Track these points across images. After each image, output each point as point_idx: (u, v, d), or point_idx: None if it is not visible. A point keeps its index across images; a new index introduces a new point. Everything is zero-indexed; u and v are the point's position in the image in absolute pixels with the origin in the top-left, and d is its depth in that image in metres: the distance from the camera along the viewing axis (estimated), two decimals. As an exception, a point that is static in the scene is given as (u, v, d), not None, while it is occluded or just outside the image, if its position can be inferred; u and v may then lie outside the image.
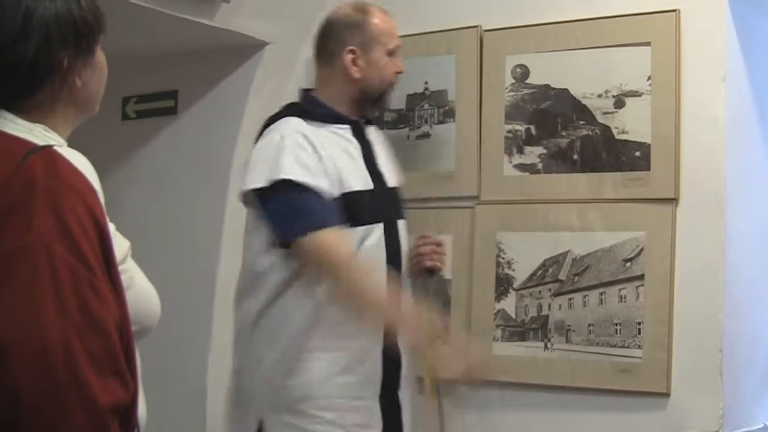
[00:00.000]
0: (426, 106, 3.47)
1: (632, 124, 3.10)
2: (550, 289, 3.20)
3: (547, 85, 3.26)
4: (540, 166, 3.25)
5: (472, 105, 3.35)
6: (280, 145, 2.57)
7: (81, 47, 1.63)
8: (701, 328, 2.96)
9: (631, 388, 3.03)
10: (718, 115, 2.99)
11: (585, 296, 3.14)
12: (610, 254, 3.11)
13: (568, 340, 3.15)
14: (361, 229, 2.65)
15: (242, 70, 3.71)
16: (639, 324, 3.03)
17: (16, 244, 1.42)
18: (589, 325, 3.12)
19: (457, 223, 3.37)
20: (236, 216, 3.00)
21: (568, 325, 3.15)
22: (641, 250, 3.05)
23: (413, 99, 3.50)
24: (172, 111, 3.89)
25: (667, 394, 2.98)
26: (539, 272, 3.22)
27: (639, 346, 3.02)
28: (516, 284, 3.26)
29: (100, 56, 1.70)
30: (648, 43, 3.08)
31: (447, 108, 3.43)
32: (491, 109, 3.32)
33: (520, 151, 3.28)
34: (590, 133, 3.18)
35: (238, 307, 2.72)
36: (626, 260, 3.08)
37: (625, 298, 3.06)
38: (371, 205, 2.68)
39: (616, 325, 3.07)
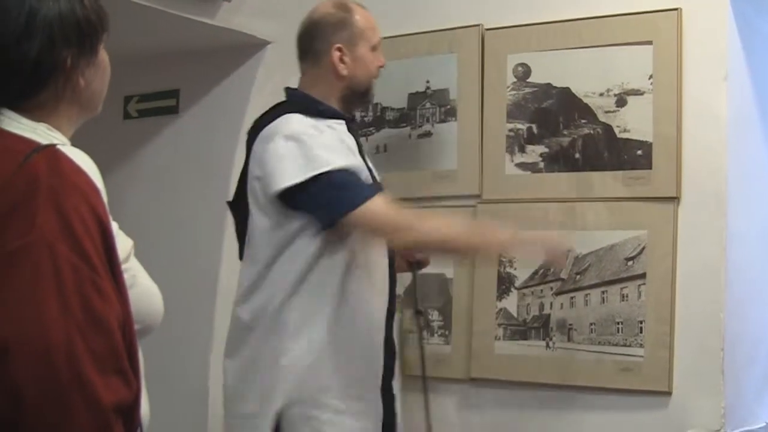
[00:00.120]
0: (427, 105, 3.47)
1: (634, 122, 3.10)
2: (551, 288, 3.20)
3: (548, 84, 3.26)
4: (542, 164, 3.25)
5: (474, 104, 3.34)
6: (300, 138, 2.63)
7: (84, 46, 1.63)
8: (703, 327, 2.95)
9: (632, 387, 3.03)
10: (719, 114, 2.99)
11: (587, 295, 3.14)
12: (611, 253, 3.11)
13: (569, 339, 3.15)
14: None
15: (244, 69, 3.71)
16: (641, 323, 3.03)
17: (19, 243, 1.43)
18: (591, 324, 3.12)
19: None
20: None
21: (570, 324, 3.15)
22: (643, 248, 3.05)
23: (415, 98, 3.50)
24: (173, 110, 3.89)
25: (668, 393, 2.98)
26: (541, 271, 3.22)
27: (641, 345, 3.02)
28: (518, 283, 3.26)
29: (103, 55, 1.70)
30: (650, 42, 3.08)
31: (448, 107, 3.43)
32: (493, 108, 3.32)
33: (522, 150, 3.28)
34: (592, 131, 3.18)
35: (244, 303, 2.73)
36: (628, 259, 3.08)
37: (626, 296, 3.06)
38: None
39: (618, 323, 3.07)
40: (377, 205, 2.63)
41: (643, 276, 3.04)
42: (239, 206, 2.82)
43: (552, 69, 3.25)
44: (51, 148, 1.52)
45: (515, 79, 3.31)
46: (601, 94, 3.16)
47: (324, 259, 2.67)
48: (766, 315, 3.22)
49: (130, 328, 1.53)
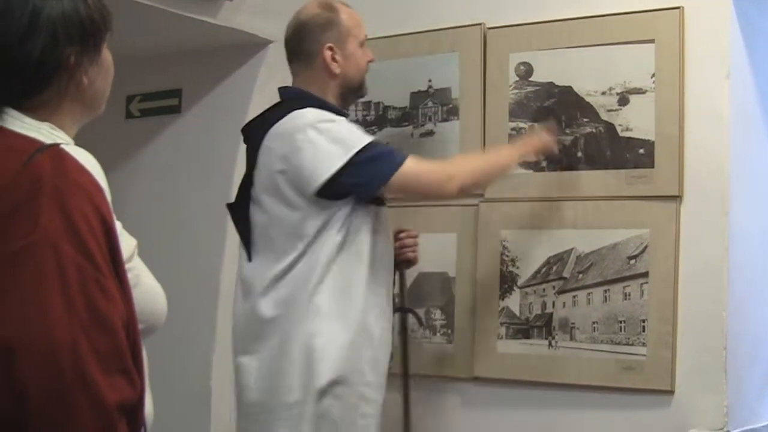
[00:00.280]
0: (430, 104, 3.47)
1: (636, 121, 3.10)
2: (554, 287, 3.20)
3: (550, 83, 3.25)
4: (544, 163, 3.24)
5: (476, 103, 3.34)
6: (325, 127, 2.71)
7: (88, 45, 1.64)
8: (705, 326, 2.95)
9: (635, 386, 3.03)
10: (722, 112, 2.99)
11: (589, 294, 3.13)
12: (614, 252, 3.11)
13: (572, 338, 3.15)
14: (383, 208, 2.86)
15: (246, 68, 3.72)
16: (643, 321, 3.03)
17: (23, 242, 1.43)
18: (594, 323, 3.11)
19: (461, 220, 3.37)
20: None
21: (573, 323, 3.15)
22: (645, 247, 3.05)
23: (417, 97, 3.50)
24: (175, 109, 3.89)
25: (671, 392, 2.98)
26: (543, 270, 3.22)
27: (643, 344, 3.02)
28: (520, 282, 3.26)
29: (106, 55, 1.71)
30: (652, 41, 3.08)
31: (451, 106, 3.43)
32: (495, 106, 3.32)
33: (524, 149, 3.28)
34: (594, 130, 3.17)
35: (263, 297, 2.74)
36: (630, 258, 3.07)
37: (629, 295, 3.06)
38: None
39: (621, 322, 3.07)
40: (414, 166, 2.77)
41: (645, 275, 3.04)
42: (241, 207, 2.83)
43: (554, 68, 3.25)
44: (55, 148, 1.52)
45: (517, 78, 3.31)
46: (603, 93, 3.16)
47: (349, 246, 2.73)
48: (768, 313, 3.23)
49: (134, 328, 1.53)
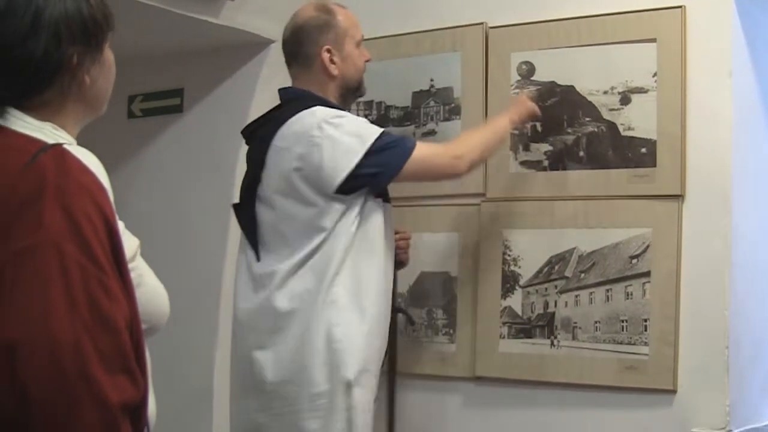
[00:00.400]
0: (432, 103, 3.47)
1: (638, 120, 3.10)
2: (556, 286, 3.20)
3: (552, 82, 3.25)
4: (546, 163, 3.24)
5: (478, 102, 3.34)
6: (338, 122, 2.75)
7: (90, 45, 1.64)
8: (708, 325, 2.95)
9: (637, 385, 3.03)
10: (724, 111, 2.99)
11: (591, 293, 3.13)
12: (616, 251, 3.10)
13: (574, 338, 3.15)
14: (389, 204, 2.89)
15: (247, 67, 3.72)
16: (645, 321, 3.03)
17: (27, 242, 1.43)
18: (596, 322, 3.11)
19: (464, 220, 3.37)
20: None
21: (575, 322, 3.15)
22: (647, 246, 3.05)
23: (419, 96, 3.50)
24: (177, 109, 3.89)
25: (673, 391, 2.98)
26: (545, 269, 3.22)
27: (645, 343, 3.02)
28: (522, 281, 3.26)
29: (108, 54, 1.71)
30: (654, 40, 3.08)
31: (453, 105, 3.43)
32: (497, 106, 3.31)
33: (526, 148, 3.28)
34: (596, 129, 3.17)
35: (278, 291, 2.75)
36: (632, 257, 3.07)
37: (631, 295, 3.06)
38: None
39: (623, 322, 3.07)
40: (424, 151, 2.85)
41: (647, 274, 3.04)
42: (247, 207, 2.84)
43: (556, 67, 3.25)
44: (58, 148, 1.53)
45: (519, 77, 3.31)
46: (605, 92, 3.16)
47: (362, 239, 2.78)
48: (771, 313, 3.22)
49: (137, 328, 1.53)
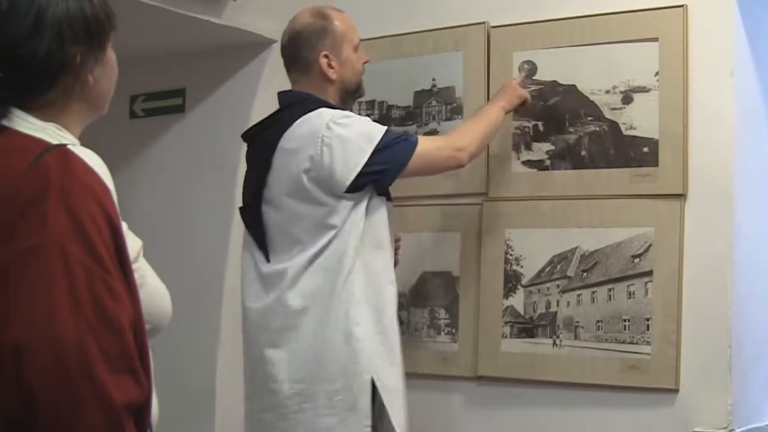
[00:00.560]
0: (433, 102, 3.47)
1: (640, 119, 3.09)
2: (558, 286, 3.20)
3: (554, 82, 3.25)
4: (548, 162, 3.24)
5: (480, 102, 3.33)
6: (344, 122, 2.78)
7: (93, 44, 1.64)
8: (710, 325, 2.95)
9: (639, 385, 3.03)
10: (726, 110, 2.99)
11: (593, 292, 3.13)
12: (618, 250, 3.10)
13: (576, 337, 3.15)
14: (390, 203, 2.91)
15: (250, 67, 3.71)
16: (647, 320, 3.03)
17: (31, 243, 1.43)
18: (598, 322, 3.11)
19: (465, 219, 3.37)
20: (245, 213, 3.00)
21: (577, 322, 3.15)
22: (649, 246, 3.05)
23: (421, 96, 3.50)
24: (179, 109, 3.89)
25: (675, 391, 2.98)
26: (547, 268, 3.22)
27: (648, 343, 3.02)
28: (524, 281, 3.26)
29: (110, 54, 1.71)
30: (655, 39, 3.08)
31: (455, 105, 3.43)
32: (498, 105, 3.31)
33: (528, 148, 3.28)
34: (598, 129, 3.17)
35: (290, 290, 2.76)
36: (635, 256, 3.07)
37: (633, 294, 3.06)
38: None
39: (625, 321, 3.06)
40: (427, 145, 2.91)
41: (650, 273, 3.04)
42: (253, 209, 2.86)
43: (558, 66, 3.25)
44: (62, 148, 1.53)
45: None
46: (607, 92, 3.16)
47: (370, 236, 2.81)
48: (773, 312, 3.22)
49: (141, 328, 1.53)
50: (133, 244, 1.77)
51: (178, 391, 3.30)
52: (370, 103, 3.57)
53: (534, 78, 3.28)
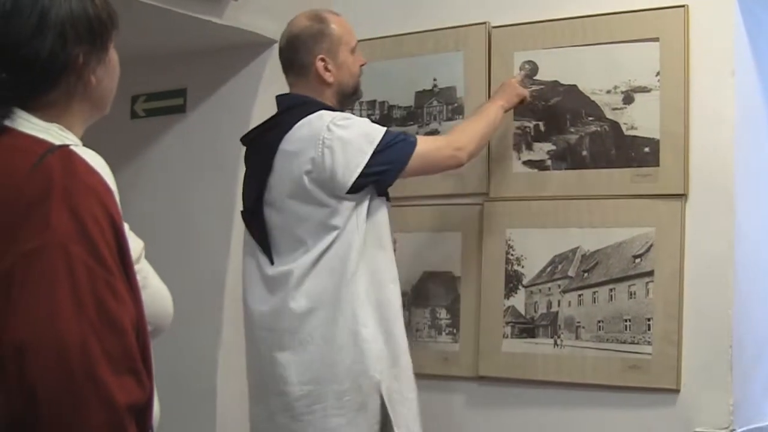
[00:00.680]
0: (434, 103, 3.47)
1: (641, 119, 3.09)
2: (559, 286, 3.20)
3: (555, 82, 3.25)
4: (549, 162, 3.24)
5: (481, 101, 3.33)
6: (344, 124, 2.80)
7: (95, 44, 1.64)
8: (711, 325, 2.95)
9: (640, 385, 3.03)
10: (727, 110, 2.99)
11: (595, 292, 3.13)
12: (619, 250, 3.10)
13: (577, 337, 3.15)
14: (388, 203, 2.92)
15: (251, 68, 3.71)
16: (649, 320, 3.03)
17: (34, 244, 1.43)
18: (599, 322, 3.11)
19: (466, 220, 3.37)
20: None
21: (578, 322, 3.15)
22: (651, 246, 3.05)
23: (422, 96, 3.50)
24: (180, 109, 3.89)
25: (677, 391, 2.98)
26: (549, 269, 3.22)
27: (649, 343, 3.02)
28: (525, 281, 3.26)
29: (113, 54, 1.71)
30: (656, 39, 3.08)
31: (456, 105, 3.43)
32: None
33: (529, 148, 3.28)
34: (599, 129, 3.17)
35: (295, 292, 2.77)
36: (636, 256, 3.07)
37: (634, 294, 3.06)
38: None
39: (626, 321, 3.07)
40: (426, 145, 2.93)
41: (651, 273, 3.04)
42: (255, 212, 2.86)
43: (559, 66, 3.25)
44: (65, 149, 1.53)
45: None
46: (608, 92, 3.16)
47: (372, 236, 2.82)
48: (774, 312, 3.22)
49: (143, 329, 1.53)
50: (135, 245, 1.77)
51: (178, 391, 3.30)
52: (371, 104, 3.57)
53: (535, 78, 3.28)
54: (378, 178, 2.81)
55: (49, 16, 1.58)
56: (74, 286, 1.42)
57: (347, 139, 2.77)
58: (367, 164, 2.77)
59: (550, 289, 3.21)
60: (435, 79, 3.48)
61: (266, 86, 3.62)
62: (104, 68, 1.68)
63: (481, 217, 3.34)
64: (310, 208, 2.78)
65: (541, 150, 3.26)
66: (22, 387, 1.38)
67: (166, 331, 1.89)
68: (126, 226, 1.62)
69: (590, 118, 3.19)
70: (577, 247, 3.17)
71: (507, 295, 3.28)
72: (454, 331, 3.37)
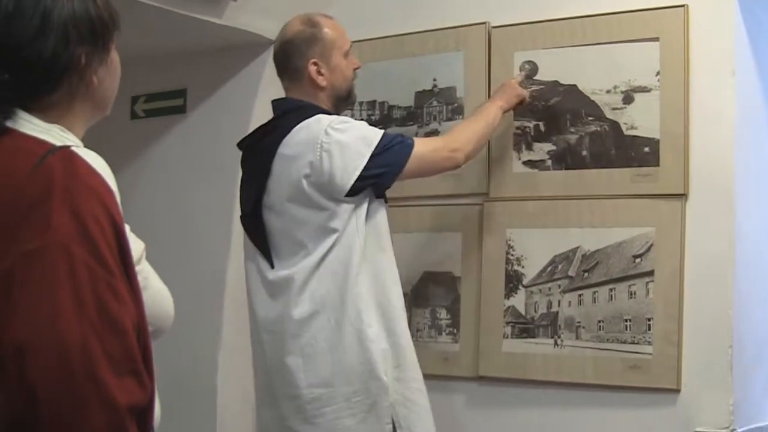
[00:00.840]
0: (434, 103, 3.47)
1: (641, 119, 3.09)
2: (559, 286, 3.20)
3: (555, 82, 3.25)
4: (549, 162, 3.24)
5: (481, 102, 3.34)
6: (342, 127, 2.81)
7: (97, 45, 1.65)
8: (711, 324, 2.95)
9: (641, 385, 3.03)
10: (727, 110, 2.99)
11: (595, 292, 3.13)
12: (619, 250, 3.10)
13: (578, 337, 3.15)
14: (386, 205, 2.92)
15: (250, 68, 3.72)
16: (649, 320, 3.03)
17: (35, 244, 1.43)
18: (599, 322, 3.11)
19: (466, 220, 3.37)
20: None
21: (578, 322, 3.15)
22: (651, 246, 3.05)
23: (422, 96, 3.50)
24: (180, 110, 3.89)
25: (677, 390, 2.98)
26: (549, 269, 3.22)
27: (649, 342, 3.02)
28: (525, 281, 3.26)
29: (114, 55, 1.71)
30: (656, 39, 3.08)
31: (456, 105, 3.43)
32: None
33: (529, 148, 3.28)
34: (599, 129, 3.17)
35: (299, 296, 2.78)
36: (636, 256, 3.07)
37: (635, 294, 3.06)
38: None
39: (626, 321, 3.07)
40: (423, 147, 2.93)
41: (651, 273, 3.04)
42: (254, 216, 2.87)
43: (559, 66, 3.25)
44: (66, 150, 1.53)
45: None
46: (608, 92, 3.16)
47: (373, 237, 2.83)
48: (774, 312, 3.22)
49: (144, 330, 1.53)
50: (136, 246, 1.77)
51: (179, 391, 3.30)
52: (371, 104, 3.57)
53: (535, 78, 3.28)
54: (376, 180, 2.81)
55: (52, 17, 1.58)
56: (75, 286, 1.42)
57: (345, 142, 2.77)
58: (365, 167, 2.77)
59: (550, 289, 3.21)
60: (435, 79, 3.48)
61: (266, 86, 3.62)
62: (106, 69, 1.68)
63: (481, 217, 3.34)
64: (309, 212, 2.78)
65: (541, 150, 3.26)
66: (23, 387, 1.38)
67: (167, 332, 1.89)
68: (127, 228, 1.62)
69: (590, 118, 3.19)
70: (577, 247, 3.17)
71: (507, 295, 3.28)
72: (455, 331, 3.37)
